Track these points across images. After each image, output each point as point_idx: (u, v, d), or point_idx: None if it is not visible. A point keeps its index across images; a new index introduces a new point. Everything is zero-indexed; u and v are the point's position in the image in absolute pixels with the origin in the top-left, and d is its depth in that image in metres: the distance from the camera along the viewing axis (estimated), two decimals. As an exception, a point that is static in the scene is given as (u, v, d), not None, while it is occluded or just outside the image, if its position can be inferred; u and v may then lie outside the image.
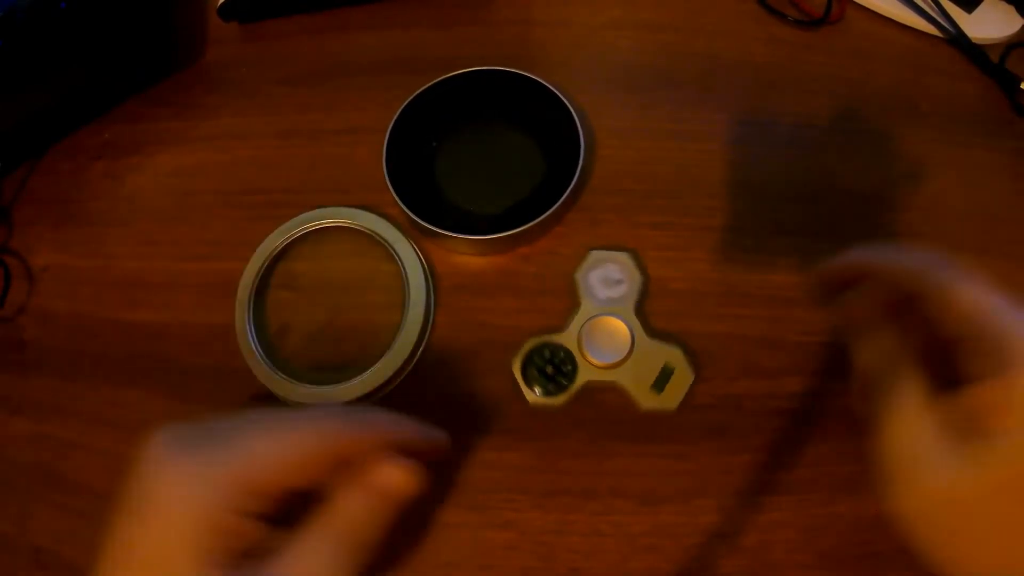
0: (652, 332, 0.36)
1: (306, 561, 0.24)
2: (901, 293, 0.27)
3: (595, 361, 0.35)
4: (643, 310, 0.37)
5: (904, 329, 0.27)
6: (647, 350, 0.35)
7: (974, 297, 0.24)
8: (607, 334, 0.35)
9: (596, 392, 0.35)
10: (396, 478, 0.26)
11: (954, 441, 0.22)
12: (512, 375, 0.36)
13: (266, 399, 0.37)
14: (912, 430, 0.23)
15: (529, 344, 0.36)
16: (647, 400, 0.34)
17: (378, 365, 0.36)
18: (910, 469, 0.23)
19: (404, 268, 0.38)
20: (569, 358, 0.35)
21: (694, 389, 0.35)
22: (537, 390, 0.35)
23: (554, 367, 0.35)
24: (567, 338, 0.36)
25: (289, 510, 0.25)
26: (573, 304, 0.37)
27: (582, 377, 0.35)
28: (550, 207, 0.37)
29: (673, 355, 0.35)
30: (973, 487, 0.22)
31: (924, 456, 0.23)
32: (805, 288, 0.35)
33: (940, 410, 0.23)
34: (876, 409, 0.25)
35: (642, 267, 0.37)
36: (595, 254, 0.37)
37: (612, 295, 0.36)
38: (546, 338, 0.36)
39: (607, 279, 0.36)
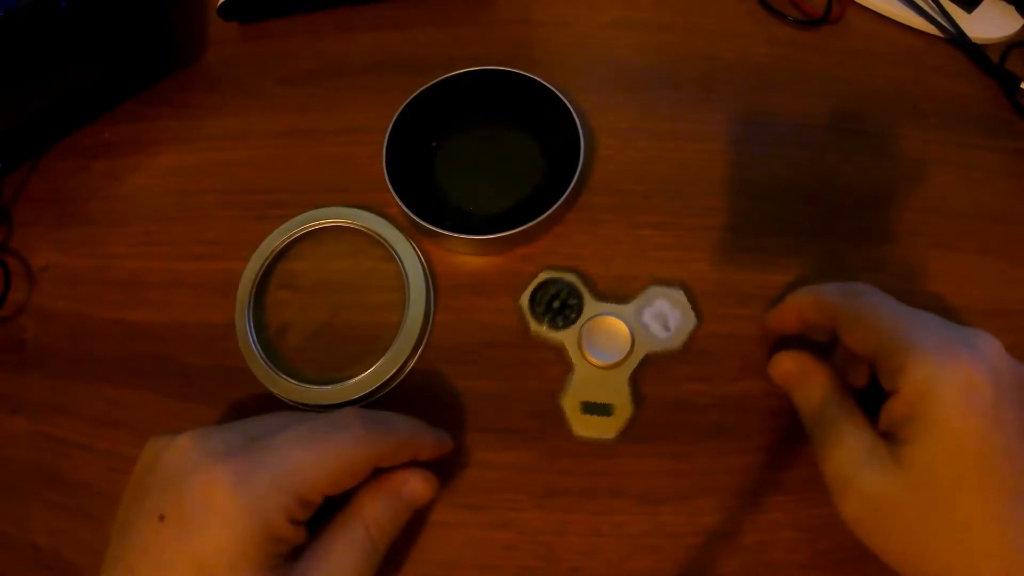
0: (635, 380, 0.35)
1: (335, 563, 0.26)
2: (826, 330, 0.30)
3: (595, 361, 0.35)
4: (648, 361, 0.36)
5: (837, 368, 0.31)
6: (615, 381, 0.35)
7: (879, 318, 0.27)
8: (607, 334, 0.35)
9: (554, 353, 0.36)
10: (422, 489, 0.29)
11: (881, 456, 0.26)
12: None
13: (266, 399, 0.37)
14: (846, 455, 0.27)
15: (535, 282, 0.37)
16: (570, 409, 0.34)
17: (378, 365, 0.36)
18: (847, 485, 0.26)
19: (404, 268, 0.38)
20: (575, 294, 0.36)
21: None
22: (544, 325, 0.36)
23: (561, 303, 0.36)
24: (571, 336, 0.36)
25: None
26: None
27: (587, 314, 0.35)
28: (550, 207, 0.37)
29: (623, 406, 0.34)
30: (892, 491, 0.25)
31: (856, 473, 0.26)
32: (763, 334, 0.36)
33: (870, 432, 0.27)
34: (818, 441, 0.29)
35: (693, 337, 0.36)
36: (677, 293, 0.36)
37: (650, 327, 0.36)
38: (550, 275, 0.37)
39: (662, 315, 0.36)
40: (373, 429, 0.28)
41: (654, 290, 0.37)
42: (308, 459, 0.26)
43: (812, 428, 0.30)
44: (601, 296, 0.37)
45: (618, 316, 0.36)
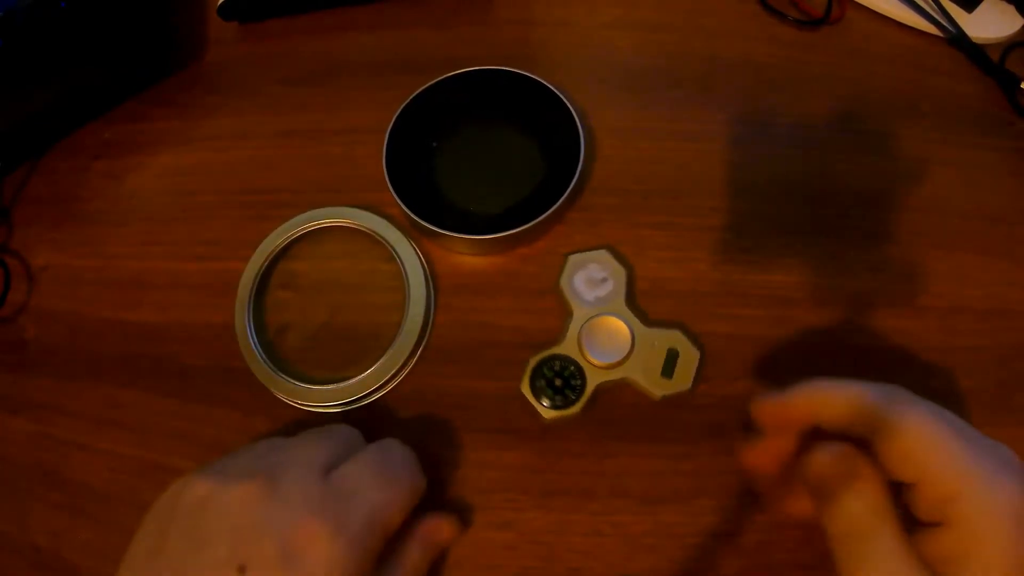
0: (648, 321, 0.36)
1: None
2: (851, 432, 0.25)
3: (597, 362, 0.35)
4: (635, 302, 0.37)
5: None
6: (648, 340, 0.35)
7: (929, 436, 0.23)
8: (607, 334, 0.35)
9: (607, 393, 0.35)
10: (451, 535, 0.32)
11: None
12: (511, 374, 0.36)
13: (266, 399, 0.37)
14: None
15: (534, 361, 0.35)
16: (659, 388, 0.34)
17: (378, 365, 0.36)
18: None
19: (404, 268, 0.38)
20: (578, 371, 0.35)
21: (694, 389, 0.35)
22: (546, 402, 0.34)
23: (563, 380, 0.34)
24: (568, 347, 0.35)
25: None
26: (566, 312, 0.37)
27: (591, 383, 0.34)
28: (550, 207, 0.37)
29: (674, 338, 0.35)
30: None
31: None
32: (744, 425, 0.30)
33: (916, 564, 0.22)
34: (845, 563, 0.24)
35: (622, 259, 0.37)
36: (572, 258, 0.37)
37: (600, 294, 0.36)
38: (551, 351, 0.35)
39: (591, 279, 0.36)
40: (416, 466, 0.31)
41: (563, 284, 0.36)
42: (386, 498, 0.28)
43: (840, 544, 0.24)
44: (557, 339, 0.36)
45: (588, 320, 0.35)
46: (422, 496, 0.30)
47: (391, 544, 0.29)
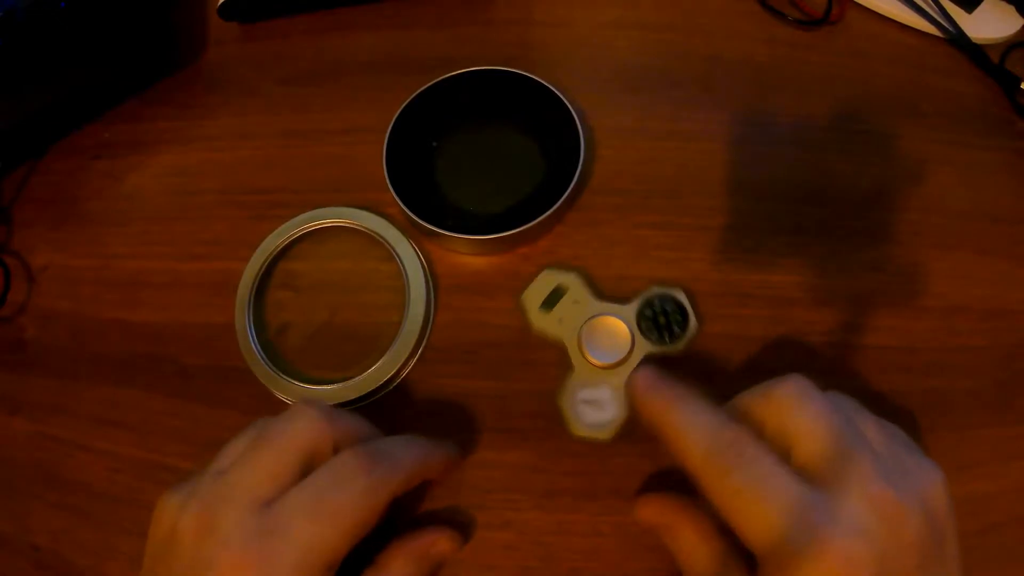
0: None
1: None
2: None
3: (597, 362, 0.35)
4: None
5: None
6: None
7: (750, 501, 0.24)
8: (607, 334, 0.35)
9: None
10: (449, 549, 0.31)
11: None
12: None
13: (266, 399, 0.37)
14: None
15: (643, 296, 0.36)
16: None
17: (378, 365, 0.36)
18: None
19: (404, 268, 0.38)
20: (682, 315, 0.36)
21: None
22: (652, 336, 0.35)
23: (666, 318, 0.35)
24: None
25: None
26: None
27: (691, 327, 0.35)
28: (550, 207, 0.37)
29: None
30: None
31: None
32: None
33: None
34: None
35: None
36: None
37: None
38: (659, 290, 0.36)
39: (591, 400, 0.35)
40: (377, 474, 0.27)
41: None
42: (323, 532, 0.25)
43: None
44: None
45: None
46: (411, 485, 0.29)
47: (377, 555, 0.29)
